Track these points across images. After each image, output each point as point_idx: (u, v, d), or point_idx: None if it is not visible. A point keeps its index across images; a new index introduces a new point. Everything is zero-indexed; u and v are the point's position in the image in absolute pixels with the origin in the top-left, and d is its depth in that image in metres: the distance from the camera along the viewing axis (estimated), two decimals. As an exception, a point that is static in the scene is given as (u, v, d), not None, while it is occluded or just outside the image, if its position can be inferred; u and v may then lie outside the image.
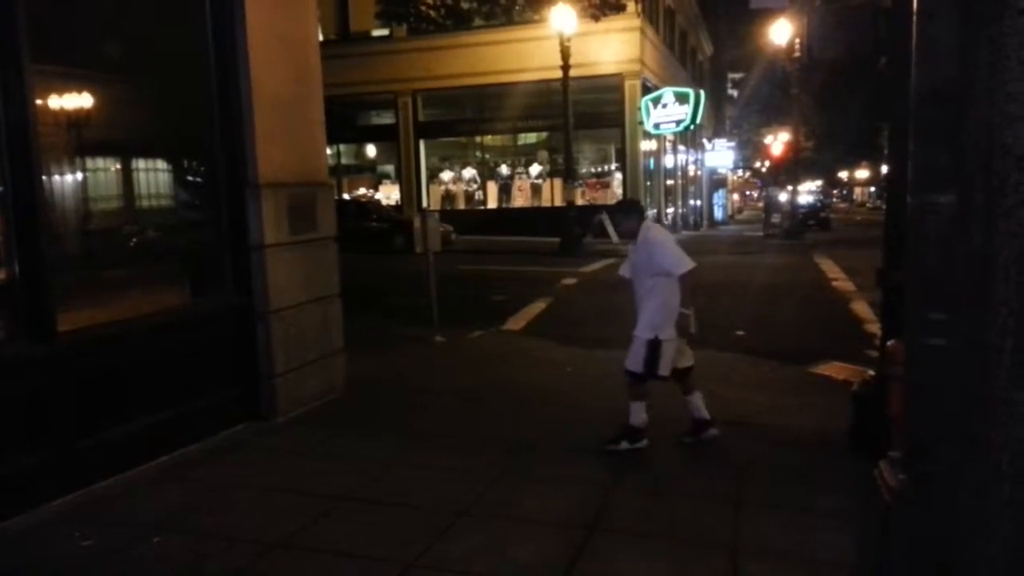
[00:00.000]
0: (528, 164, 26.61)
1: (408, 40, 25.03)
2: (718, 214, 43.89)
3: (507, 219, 25.19)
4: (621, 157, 25.20)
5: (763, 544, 3.86)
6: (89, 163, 5.29)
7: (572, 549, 3.79)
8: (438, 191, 27.15)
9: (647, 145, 26.29)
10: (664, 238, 5.23)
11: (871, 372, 5.32)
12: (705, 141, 41.53)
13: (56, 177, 4.83)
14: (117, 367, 4.76)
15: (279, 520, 4.13)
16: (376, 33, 26.62)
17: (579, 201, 22.85)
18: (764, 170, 51.92)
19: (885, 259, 4.98)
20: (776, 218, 29.59)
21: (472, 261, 16.88)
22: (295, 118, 6.08)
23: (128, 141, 5.52)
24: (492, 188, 26.68)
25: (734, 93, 56.15)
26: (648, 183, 26.67)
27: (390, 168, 28.34)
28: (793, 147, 30.78)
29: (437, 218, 9.58)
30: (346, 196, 26.53)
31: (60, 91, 4.82)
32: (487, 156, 27.56)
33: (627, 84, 24.32)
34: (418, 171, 26.76)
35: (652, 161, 27.76)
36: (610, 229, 22.09)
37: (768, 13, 30.87)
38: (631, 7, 23.19)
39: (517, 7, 22.97)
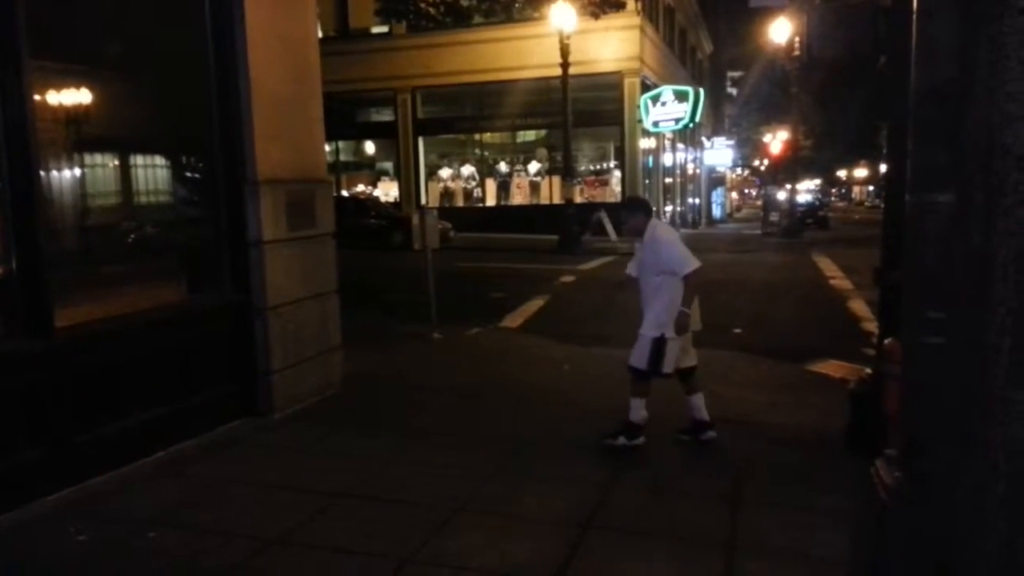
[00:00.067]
0: (527, 162, 26.62)
1: (407, 37, 25.00)
2: (716, 212, 43.93)
3: (506, 216, 25.18)
4: (620, 155, 25.21)
5: (761, 542, 3.87)
6: (87, 159, 5.28)
7: (569, 546, 3.80)
8: (437, 188, 27.14)
9: (646, 143, 26.29)
10: (671, 237, 5.22)
11: (868, 370, 5.32)
12: (704, 139, 41.54)
13: (54, 173, 4.82)
14: (114, 363, 4.76)
15: (276, 516, 4.12)
16: (375, 30, 26.60)
17: (578, 199, 22.85)
18: (763, 168, 51.96)
19: (883, 258, 4.98)
20: (774, 216, 29.63)
21: (470, 258, 16.88)
22: (294, 115, 6.07)
23: (127, 138, 5.51)
24: (491, 185, 26.68)
25: (733, 91, 56.15)
26: (647, 181, 26.66)
27: (389, 165, 28.32)
28: (792, 146, 30.79)
29: (435, 215, 9.59)
30: (345, 193, 26.50)
31: (59, 87, 4.81)
32: (486, 153, 27.55)
33: (626, 82, 24.31)
34: (417, 168, 26.75)
35: (651, 159, 27.75)
36: (608, 227, 22.12)
37: (768, 11, 30.90)
38: (631, 5, 23.20)
39: (517, 5, 23.01)
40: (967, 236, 1.73)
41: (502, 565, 3.62)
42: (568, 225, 20.29)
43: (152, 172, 5.89)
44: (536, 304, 11.52)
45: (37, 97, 4.40)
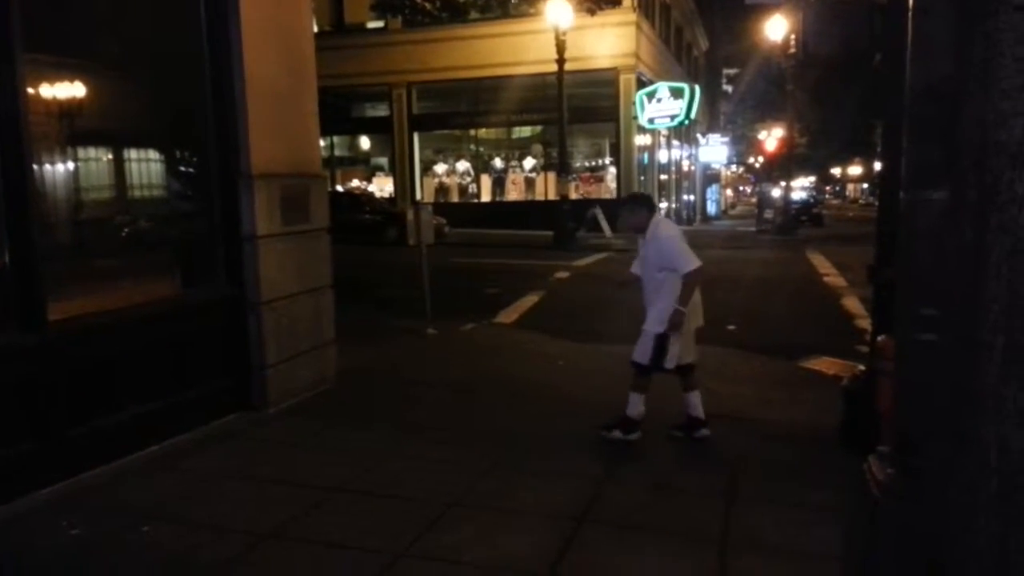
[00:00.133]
0: (522, 158, 26.61)
1: (403, 32, 24.93)
2: (711, 209, 43.97)
3: (501, 212, 25.18)
4: (615, 151, 25.20)
5: (754, 538, 3.88)
6: (81, 153, 5.26)
7: (562, 540, 3.80)
8: (432, 184, 27.11)
9: (641, 140, 26.30)
10: (674, 233, 5.18)
11: (861, 367, 5.34)
12: (699, 136, 41.55)
13: (48, 167, 4.80)
14: (108, 357, 4.74)
15: (270, 511, 4.12)
16: (371, 25, 26.52)
17: (573, 195, 22.85)
18: (758, 166, 52.01)
19: (877, 255, 4.99)
20: (769, 214, 29.65)
21: (465, 254, 16.86)
22: (289, 109, 6.05)
23: (120, 131, 5.49)
24: (486, 181, 26.67)
25: (729, 88, 56.13)
26: (642, 178, 26.67)
27: (384, 160, 28.27)
28: (787, 143, 30.81)
29: (430, 211, 9.56)
30: (339, 188, 26.46)
31: (52, 81, 4.79)
32: (481, 149, 27.53)
33: (622, 78, 24.31)
34: (412, 163, 26.71)
35: (646, 156, 27.76)
36: (603, 223, 22.14)
37: (764, 9, 30.81)
38: (627, 1, 23.20)
39: (513, 0, 22.93)
40: (961, 233, 1.73)
41: (496, 559, 3.63)
42: (563, 221, 20.28)
43: (146, 166, 5.87)
44: (531, 300, 11.51)
45: (30, 90, 4.38)
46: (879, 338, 4.69)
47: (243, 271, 5.66)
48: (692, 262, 4.97)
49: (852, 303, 11.18)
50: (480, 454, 4.97)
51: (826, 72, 35.97)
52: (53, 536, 3.83)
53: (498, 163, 26.87)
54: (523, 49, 22.95)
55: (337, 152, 28.48)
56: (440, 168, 27.41)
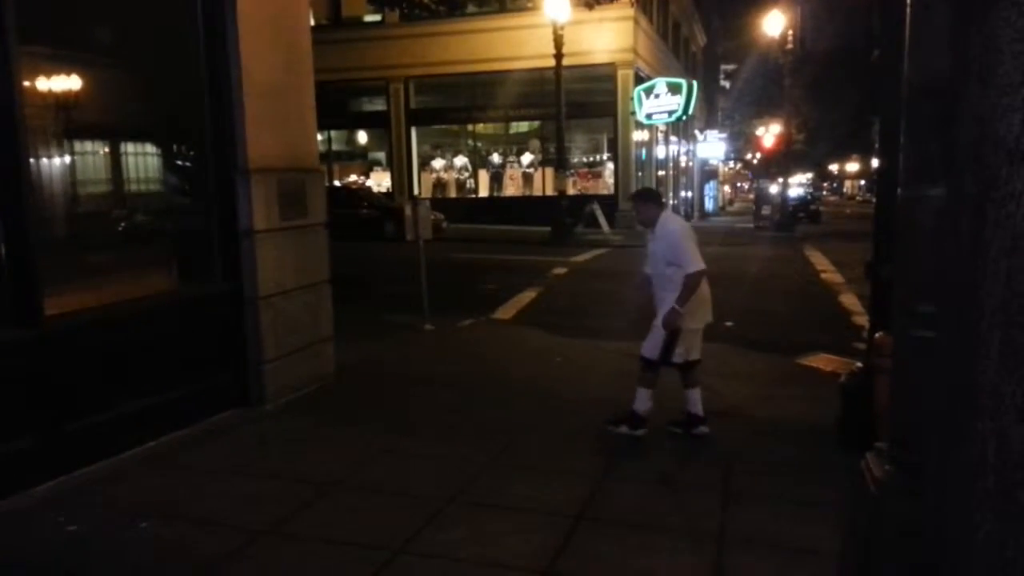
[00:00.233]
0: (520, 153, 26.57)
1: (400, 26, 24.88)
2: (709, 205, 43.93)
3: (498, 208, 25.16)
4: (613, 147, 25.17)
5: (751, 534, 3.88)
6: (77, 146, 5.25)
7: (561, 537, 3.81)
8: (429, 179, 27.07)
9: (639, 135, 26.27)
10: (682, 230, 5.17)
11: (859, 364, 5.34)
12: (697, 132, 41.51)
13: (44, 160, 4.79)
14: (104, 352, 4.73)
15: (268, 506, 4.12)
16: (368, 19, 26.48)
17: (570, 191, 22.83)
18: (755, 162, 51.99)
19: (875, 252, 4.99)
20: (767, 210, 29.63)
21: (463, 249, 16.85)
22: (286, 104, 6.04)
23: (117, 125, 5.48)
24: (483, 176, 26.63)
25: (727, 84, 56.10)
26: (640, 173, 26.65)
27: (381, 155, 28.21)
28: (784, 139, 30.81)
29: (428, 206, 9.57)
30: (337, 183, 26.41)
31: (48, 74, 4.78)
32: (479, 144, 27.48)
33: (620, 74, 24.26)
34: (409, 158, 26.66)
35: (644, 151, 27.73)
36: (601, 219, 22.14)
37: (762, 4, 30.82)
38: (625, -4, 23.15)
39: (511, -5, 22.90)
40: (958, 229, 1.73)
41: (494, 555, 3.63)
42: (561, 217, 20.28)
43: (143, 160, 5.86)
44: (528, 296, 11.51)
45: (26, 83, 4.36)
46: (877, 335, 4.69)
47: (240, 266, 5.65)
48: (696, 264, 4.97)
49: (850, 300, 11.19)
50: (478, 450, 4.97)
51: (824, 68, 35.95)
52: (49, 533, 3.82)
53: (496, 158, 26.82)
54: (521, 44, 22.91)
55: (334, 147, 28.42)
56: (438, 163, 27.37)
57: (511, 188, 26.30)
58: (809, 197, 42.95)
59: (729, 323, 9.46)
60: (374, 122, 27.68)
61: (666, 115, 25.16)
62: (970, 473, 1.69)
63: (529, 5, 22.16)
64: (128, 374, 4.87)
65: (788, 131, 30.53)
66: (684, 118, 27.54)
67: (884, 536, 2.16)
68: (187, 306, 5.46)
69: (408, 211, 9.13)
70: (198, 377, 5.38)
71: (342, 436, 5.26)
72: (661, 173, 32.03)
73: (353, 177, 28.38)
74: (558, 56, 19.59)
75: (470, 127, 27.26)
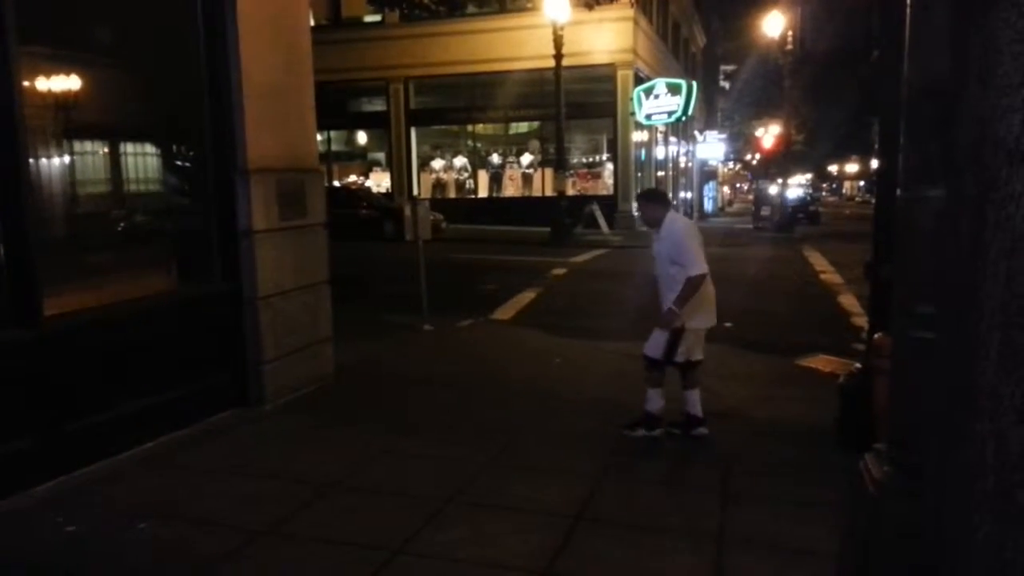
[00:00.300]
0: (519, 153, 26.56)
1: (400, 27, 24.87)
2: (708, 206, 43.93)
3: (498, 208, 25.16)
4: (613, 147, 25.17)
5: (750, 535, 3.88)
6: (77, 147, 5.24)
7: (559, 537, 3.80)
8: (429, 179, 27.05)
9: (639, 136, 26.26)
10: (688, 231, 5.19)
11: (857, 365, 5.34)
12: (696, 133, 41.52)
13: (43, 160, 4.78)
14: (104, 352, 4.73)
15: (266, 506, 4.12)
16: (368, 19, 26.45)
17: (570, 191, 22.83)
18: (755, 163, 52.01)
19: (874, 253, 4.99)
20: (766, 211, 29.64)
21: (462, 250, 16.85)
22: (285, 104, 6.03)
23: (117, 125, 5.48)
24: (483, 177, 26.62)
25: (726, 85, 56.11)
26: (639, 174, 26.66)
27: (381, 156, 28.20)
28: (784, 140, 30.84)
29: (428, 206, 9.57)
30: (336, 183, 26.39)
31: (48, 74, 4.77)
32: (478, 145, 27.47)
33: (619, 74, 24.26)
34: (409, 159, 26.65)
35: (643, 152, 27.73)
36: (600, 220, 22.14)
37: (762, 5, 30.84)
38: (624, -3, 23.16)
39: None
40: (958, 230, 1.73)
41: (493, 556, 3.62)
42: (560, 217, 20.28)
43: (142, 160, 5.85)
44: (528, 296, 11.51)
45: (26, 83, 4.36)
46: (876, 336, 4.69)
47: (240, 266, 5.65)
48: (698, 266, 4.97)
49: (849, 301, 11.19)
50: (477, 450, 4.97)
51: (823, 69, 35.96)
52: (47, 533, 3.82)
53: (495, 159, 26.81)
54: (520, 44, 22.91)
55: (334, 147, 28.40)
56: (437, 164, 27.35)
57: (510, 189, 26.29)
58: (808, 198, 42.95)
59: (728, 324, 9.45)
60: (374, 122, 27.67)
61: (666, 116, 25.15)
62: (969, 474, 1.69)
63: (529, 5, 22.15)
64: (127, 374, 4.87)
65: (787, 132, 30.56)
66: (684, 119, 27.53)
67: (883, 537, 2.16)
68: (186, 306, 5.46)
69: (407, 211, 9.13)
70: (197, 377, 5.38)
71: (341, 436, 5.26)
72: (660, 174, 32.03)
73: (353, 177, 28.37)
74: (558, 56, 19.59)
75: (470, 127, 27.25)
